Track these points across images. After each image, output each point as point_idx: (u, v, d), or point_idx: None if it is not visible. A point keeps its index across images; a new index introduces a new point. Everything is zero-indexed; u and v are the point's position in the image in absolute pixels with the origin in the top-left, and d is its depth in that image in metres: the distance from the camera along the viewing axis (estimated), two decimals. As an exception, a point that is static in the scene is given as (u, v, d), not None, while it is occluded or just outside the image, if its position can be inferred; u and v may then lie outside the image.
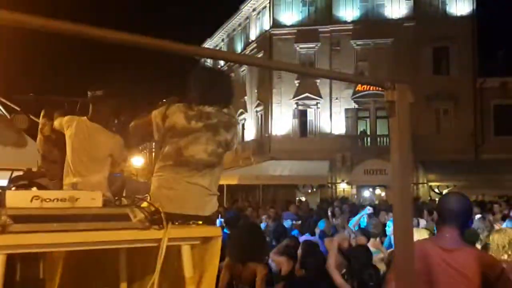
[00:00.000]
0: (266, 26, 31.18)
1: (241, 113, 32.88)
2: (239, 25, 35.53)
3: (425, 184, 26.18)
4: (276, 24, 30.32)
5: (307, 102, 29.40)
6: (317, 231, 7.55)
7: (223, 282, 4.17)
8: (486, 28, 26.96)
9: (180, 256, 2.37)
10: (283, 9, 30.35)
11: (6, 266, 1.95)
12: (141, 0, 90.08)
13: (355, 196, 26.80)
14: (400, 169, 2.25)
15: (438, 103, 27.57)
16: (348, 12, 29.20)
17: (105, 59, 56.94)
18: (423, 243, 2.79)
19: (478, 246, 4.96)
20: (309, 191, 28.68)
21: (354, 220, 8.70)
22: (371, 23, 28.34)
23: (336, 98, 28.88)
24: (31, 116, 5.07)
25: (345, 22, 29.15)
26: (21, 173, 3.48)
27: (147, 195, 2.76)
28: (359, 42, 28.70)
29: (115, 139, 3.72)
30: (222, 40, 37.67)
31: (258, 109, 31.64)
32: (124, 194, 3.71)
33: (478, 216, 10.21)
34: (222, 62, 35.64)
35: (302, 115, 29.68)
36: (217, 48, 35.86)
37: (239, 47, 35.07)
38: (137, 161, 27.96)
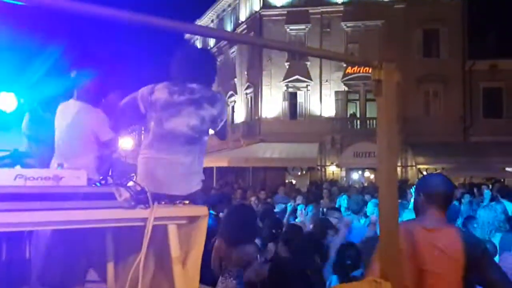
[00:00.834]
0: (256, 7, 30.89)
1: (231, 95, 32.74)
2: (229, 5, 35.16)
3: (414, 167, 26.37)
4: (266, 5, 30.06)
5: (297, 84, 29.34)
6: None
7: (215, 264, 4.16)
8: (476, 10, 26.89)
9: (167, 235, 2.36)
10: (274, -10, 30.09)
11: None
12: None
13: (344, 179, 26.98)
14: (387, 149, 2.26)
15: (427, 85, 27.68)
16: (339, -6, 29.04)
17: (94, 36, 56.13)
18: (407, 223, 2.82)
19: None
20: (299, 173, 28.78)
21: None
22: (362, 5, 28.19)
23: (326, 81, 28.83)
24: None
25: (336, 4, 28.99)
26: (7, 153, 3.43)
27: (133, 174, 2.76)
28: (350, 24, 28.59)
29: (95, 113, 3.53)
30: (212, 21, 37.29)
31: (248, 91, 31.51)
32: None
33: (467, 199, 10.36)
34: (212, 44, 35.37)
35: (292, 98, 29.63)
36: (207, 29, 35.37)
37: (228, 28, 34.74)
38: (127, 143, 27.83)
